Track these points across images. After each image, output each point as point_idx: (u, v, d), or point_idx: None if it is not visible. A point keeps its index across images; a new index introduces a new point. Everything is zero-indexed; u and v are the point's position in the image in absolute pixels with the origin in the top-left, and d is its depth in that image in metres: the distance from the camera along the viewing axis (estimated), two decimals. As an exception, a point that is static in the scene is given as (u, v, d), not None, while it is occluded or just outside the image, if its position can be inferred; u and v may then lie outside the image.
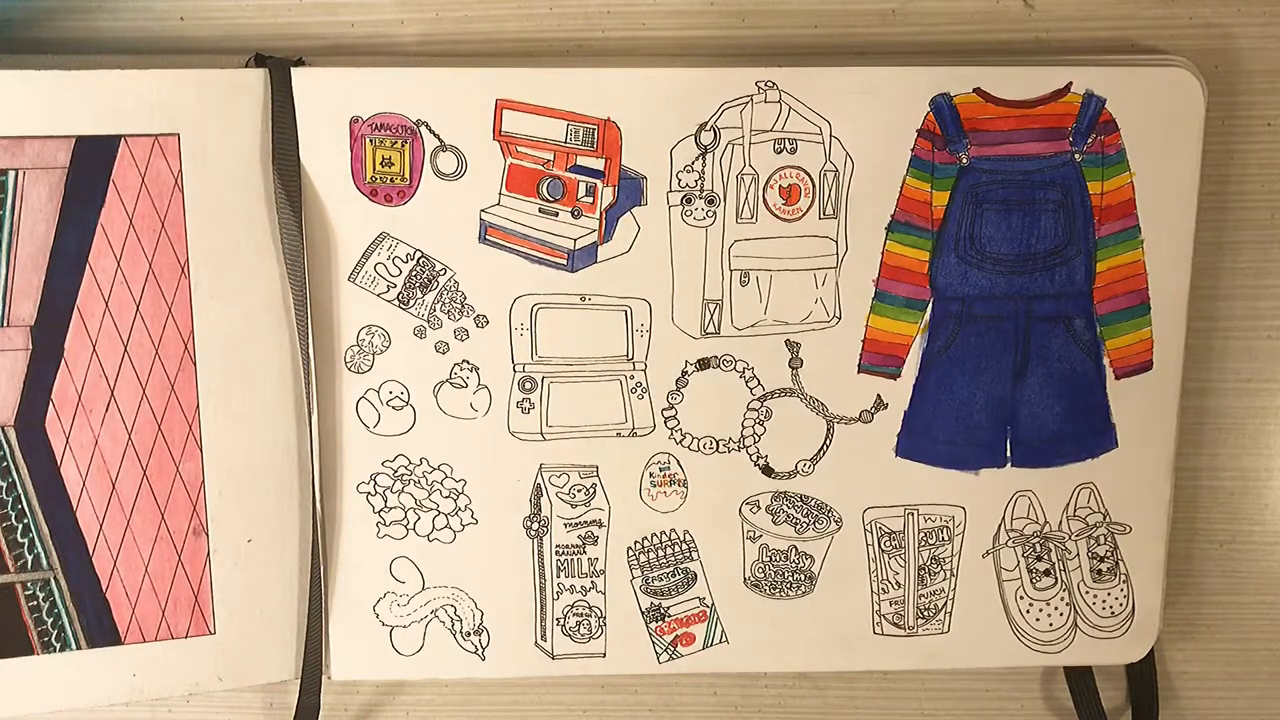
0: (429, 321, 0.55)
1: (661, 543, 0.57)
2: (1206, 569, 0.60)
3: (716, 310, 0.55)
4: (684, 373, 0.56)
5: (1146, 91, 0.54)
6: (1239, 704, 0.62)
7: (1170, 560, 0.58)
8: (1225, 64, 0.56)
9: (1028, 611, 0.58)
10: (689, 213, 0.54)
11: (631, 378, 0.56)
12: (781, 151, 0.54)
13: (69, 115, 0.51)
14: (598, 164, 0.54)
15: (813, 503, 0.57)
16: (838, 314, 0.56)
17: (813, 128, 0.54)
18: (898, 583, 0.58)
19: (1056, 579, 0.58)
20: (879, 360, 0.56)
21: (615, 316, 0.55)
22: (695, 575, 0.58)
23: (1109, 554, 0.58)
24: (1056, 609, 0.58)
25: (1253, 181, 0.57)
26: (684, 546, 0.57)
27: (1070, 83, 0.54)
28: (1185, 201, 0.55)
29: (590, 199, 0.54)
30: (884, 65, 0.54)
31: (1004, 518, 0.58)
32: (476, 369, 0.55)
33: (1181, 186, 0.55)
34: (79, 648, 0.55)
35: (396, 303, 0.54)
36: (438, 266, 0.54)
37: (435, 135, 0.53)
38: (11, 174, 0.51)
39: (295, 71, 0.52)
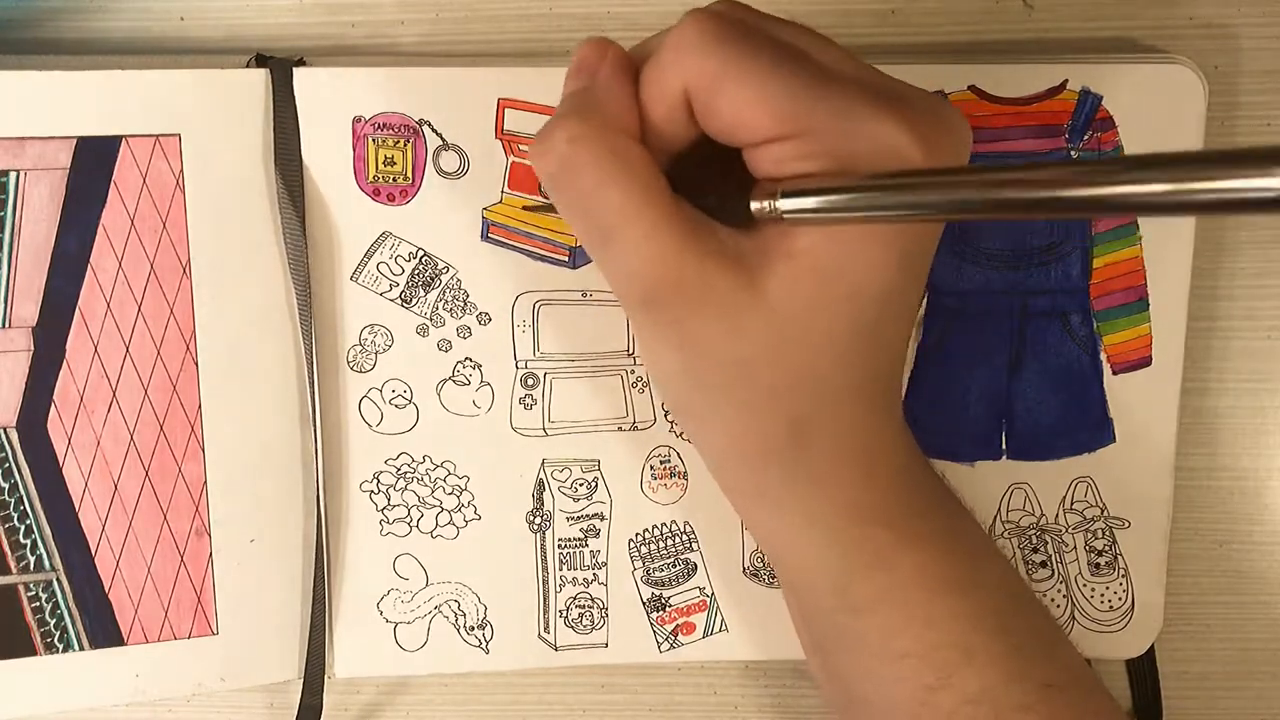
0: (431, 320, 0.55)
1: (662, 534, 0.57)
2: (1206, 568, 0.60)
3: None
4: (684, 367, 0.56)
5: (1146, 88, 0.54)
6: (1239, 704, 0.62)
7: (1170, 559, 0.58)
8: (1225, 64, 0.56)
9: (1025, 603, 0.59)
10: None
11: (632, 372, 0.56)
12: (780, 148, 0.54)
13: (70, 116, 0.51)
14: (599, 162, 0.54)
15: (811, 494, 0.57)
16: (836, 309, 0.56)
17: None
18: (896, 574, 0.58)
19: (1053, 571, 0.58)
20: (875, 355, 0.56)
21: (616, 312, 0.55)
22: (695, 565, 0.58)
23: (1107, 548, 0.58)
24: (1053, 600, 0.58)
25: (1252, 182, 0.57)
26: (684, 538, 0.57)
27: (1066, 80, 0.54)
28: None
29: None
30: (883, 65, 0.54)
31: (999, 510, 0.58)
32: (479, 366, 0.55)
33: (1182, 183, 0.55)
34: (82, 649, 0.55)
35: (399, 301, 0.55)
36: (440, 265, 0.54)
37: (438, 134, 0.53)
38: (13, 175, 0.51)
39: (297, 71, 0.53)
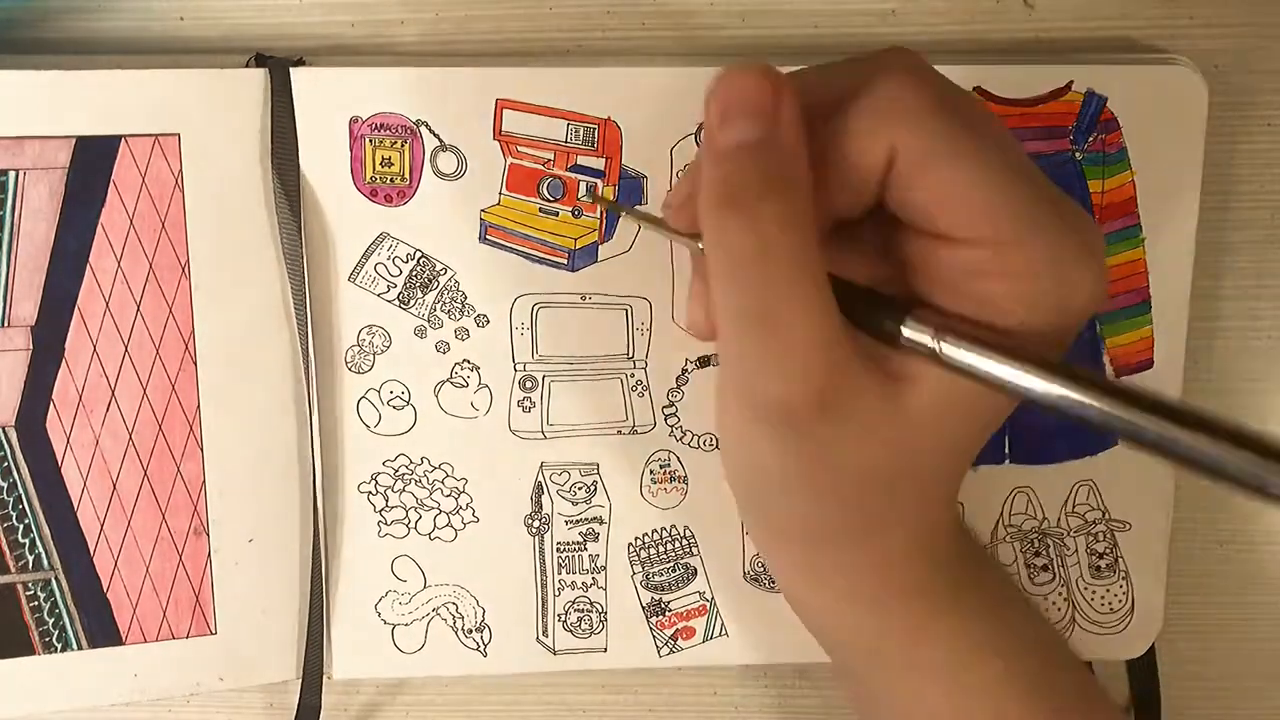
0: (429, 321, 0.55)
1: (662, 539, 0.57)
2: (1207, 568, 0.60)
3: (717, 308, 0.55)
4: (684, 370, 0.56)
5: (1148, 90, 0.54)
6: (1239, 704, 0.62)
7: (1170, 559, 0.58)
8: (1226, 63, 0.56)
9: (1026, 607, 0.58)
10: (689, 211, 0.54)
11: (632, 376, 0.56)
12: (781, 150, 0.54)
13: (69, 115, 0.51)
14: (598, 163, 0.54)
15: (812, 499, 0.57)
16: (837, 312, 0.56)
17: (813, 126, 0.54)
18: (897, 578, 0.58)
19: (1055, 574, 0.58)
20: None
21: (616, 315, 0.55)
22: (695, 570, 0.58)
23: (1108, 550, 0.58)
24: (1054, 604, 0.58)
25: (1253, 181, 0.57)
26: (684, 542, 0.57)
27: (1071, 81, 0.54)
28: (1187, 200, 0.55)
29: (590, 199, 0.54)
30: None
31: (1002, 513, 0.58)
32: (477, 368, 0.55)
33: (1184, 185, 0.55)
34: (80, 648, 0.55)
35: (397, 303, 0.54)
36: (438, 266, 0.54)
37: (435, 135, 0.53)
38: (12, 174, 0.51)
39: (295, 71, 0.53)
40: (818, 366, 0.37)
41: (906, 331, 0.38)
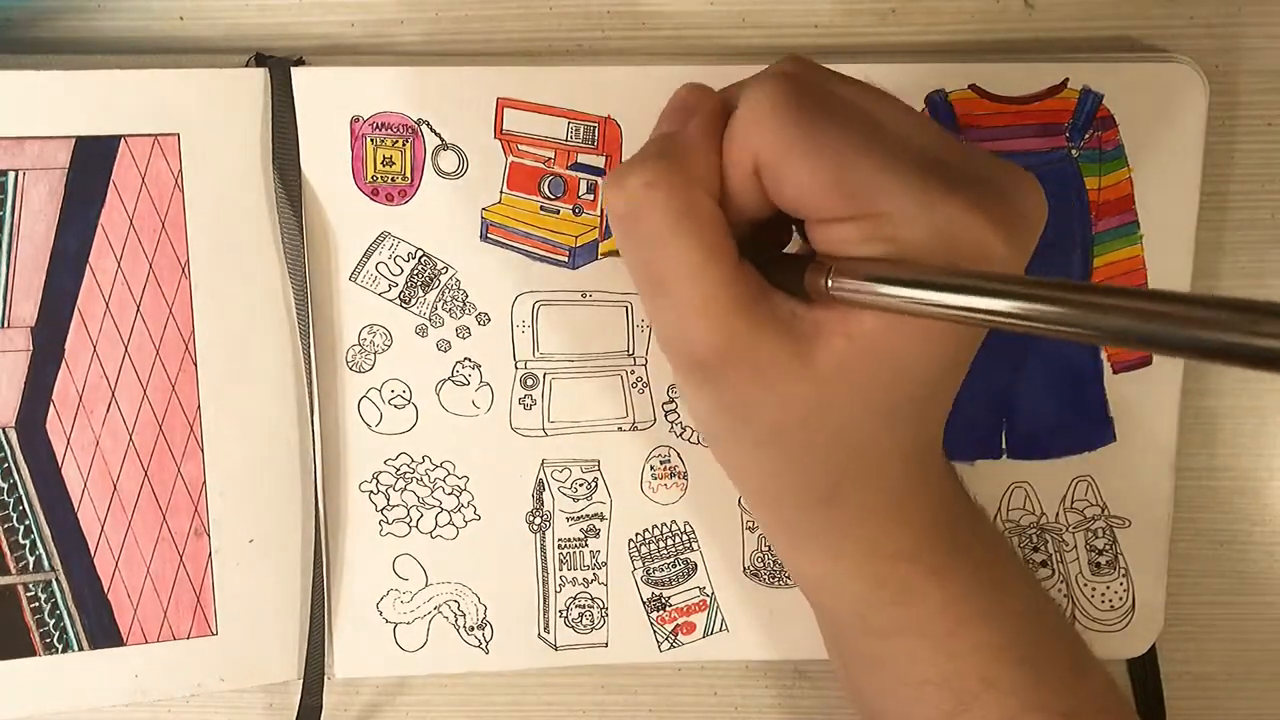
0: (430, 320, 0.55)
1: (662, 534, 0.57)
2: (1206, 568, 0.60)
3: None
4: (684, 367, 0.56)
5: (1147, 88, 0.54)
6: (1239, 704, 0.62)
7: (1170, 559, 0.58)
8: (1226, 63, 0.56)
9: (1025, 603, 0.58)
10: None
11: (632, 372, 0.56)
12: (781, 148, 0.54)
13: (69, 115, 0.51)
14: (598, 161, 0.54)
15: (811, 494, 0.57)
16: (836, 308, 0.56)
17: (811, 125, 0.54)
18: (896, 574, 0.58)
19: (1054, 570, 0.58)
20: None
21: (616, 312, 0.55)
22: (695, 565, 0.58)
23: (1107, 547, 0.58)
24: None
25: (1253, 181, 0.57)
26: (684, 537, 0.57)
27: (1066, 79, 0.54)
28: (1187, 198, 0.55)
29: (591, 196, 0.54)
30: (883, 65, 0.54)
31: (1000, 508, 0.58)
32: (478, 366, 0.55)
33: (1183, 183, 0.55)
34: (81, 649, 0.55)
35: (398, 301, 0.55)
36: (439, 265, 0.54)
37: (436, 134, 0.53)
38: (11, 175, 0.51)
39: (295, 71, 0.53)
40: (713, 322, 0.42)
41: (806, 279, 0.41)
